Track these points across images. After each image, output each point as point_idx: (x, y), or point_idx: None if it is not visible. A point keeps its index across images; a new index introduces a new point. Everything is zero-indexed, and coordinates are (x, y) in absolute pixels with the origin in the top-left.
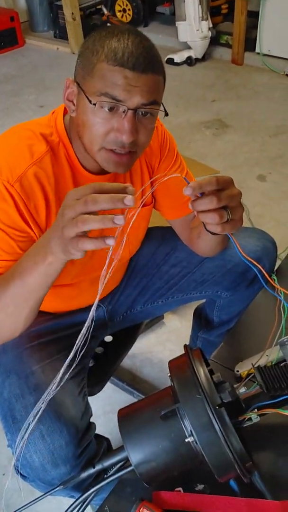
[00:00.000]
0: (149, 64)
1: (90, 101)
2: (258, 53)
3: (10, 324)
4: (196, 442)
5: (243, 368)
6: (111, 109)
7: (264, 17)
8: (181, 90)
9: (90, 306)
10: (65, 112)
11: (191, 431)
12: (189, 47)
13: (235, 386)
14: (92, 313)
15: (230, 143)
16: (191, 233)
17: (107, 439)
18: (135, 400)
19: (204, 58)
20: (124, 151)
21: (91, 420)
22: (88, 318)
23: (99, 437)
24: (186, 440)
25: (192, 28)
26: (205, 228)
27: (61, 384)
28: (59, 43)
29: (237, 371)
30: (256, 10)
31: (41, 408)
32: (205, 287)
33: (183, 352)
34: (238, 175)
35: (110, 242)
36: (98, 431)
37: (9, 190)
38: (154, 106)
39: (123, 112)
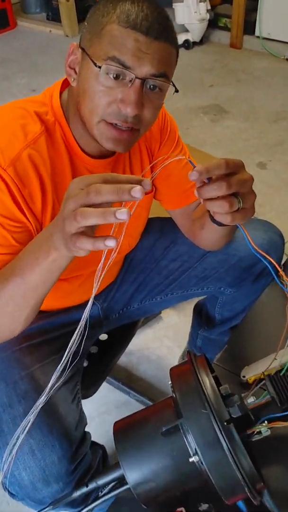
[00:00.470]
0: (164, 31)
1: (95, 64)
2: (258, 37)
3: (9, 324)
4: (201, 462)
5: (250, 373)
6: (117, 77)
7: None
8: (178, 74)
9: (85, 304)
10: (62, 89)
11: (195, 449)
12: (186, 30)
13: (243, 395)
14: (86, 312)
15: (229, 129)
16: (193, 225)
17: (102, 447)
18: (132, 400)
19: (201, 41)
20: (126, 126)
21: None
22: (82, 319)
23: (94, 445)
24: (191, 460)
25: (190, 10)
26: (211, 218)
27: (53, 391)
28: (52, 25)
29: (243, 376)
30: None
31: (30, 420)
32: (207, 283)
33: (181, 348)
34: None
35: (111, 243)
36: (92, 433)
37: (2, 176)
38: (164, 80)
39: (130, 81)
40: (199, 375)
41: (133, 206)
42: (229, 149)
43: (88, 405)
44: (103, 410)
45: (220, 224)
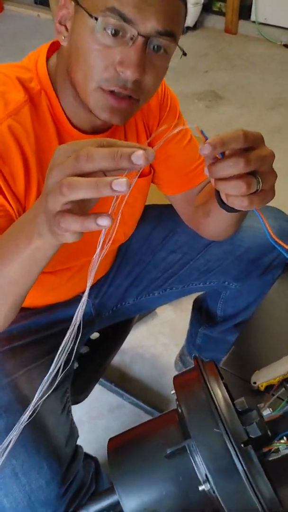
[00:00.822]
0: None
1: (90, 15)
2: (254, 22)
3: None
4: (213, 491)
5: (261, 379)
6: (116, 34)
7: None
8: (171, 59)
9: (74, 300)
10: (49, 55)
11: (206, 475)
12: None
13: (259, 406)
14: (80, 310)
15: (225, 115)
16: (197, 212)
17: (94, 459)
18: (125, 402)
19: (195, 26)
20: (125, 93)
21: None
22: (75, 317)
23: (85, 458)
24: (200, 488)
25: None
26: (220, 203)
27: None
28: (40, 9)
29: (254, 382)
30: None
31: (12, 439)
32: (209, 276)
33: (178, 345)
34: None
35: (104, 222)
36: (82, 440)
37: None
38: (171, 39)
39: (131, 39)
40: (209, 386)
41: (132, 179)
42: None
43: (78, 409)
44: (94, 414)
45: (230, 210)
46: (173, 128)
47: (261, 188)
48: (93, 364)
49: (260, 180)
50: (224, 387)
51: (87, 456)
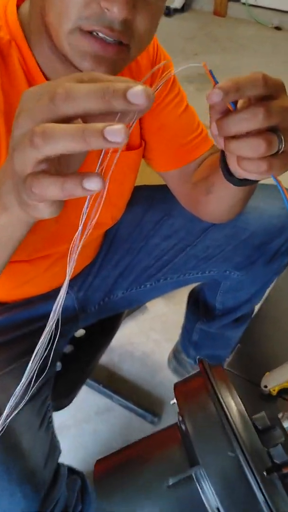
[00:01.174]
0: None
1: None
2: (244, 4)
3: None
4: None
5: (273, 382)
6: None
7: None
8: (159, 42)
9: (54, 293)
10: (19, 2)
11: (218, 510)
12: None
13: (280, 416)
14: (58, 305)
15: None
16: (195, 189)
17: (80, 475)
18: (114, 404)
19: (183, 8)
20: (112, 37)
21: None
22: (53, 313)
23: (70, 474)
24: None
25: None
26: (226, 173)
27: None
28: None
29: (265, 386)
30: None
31: None
32: (209, 265)
33: (170, 341)
34: None
35: (93, 184)
36: (68, 446)
37: None
38: None
39: None
40: (220, 397)
41: (112, 161)
42: None
43: (62, 412)
44: (80, 417)
45: (238, 182)
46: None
47: (283, 149)
48: (78, 365)
49: (283, 138)
50: (238, 398)
51: (71, 471)
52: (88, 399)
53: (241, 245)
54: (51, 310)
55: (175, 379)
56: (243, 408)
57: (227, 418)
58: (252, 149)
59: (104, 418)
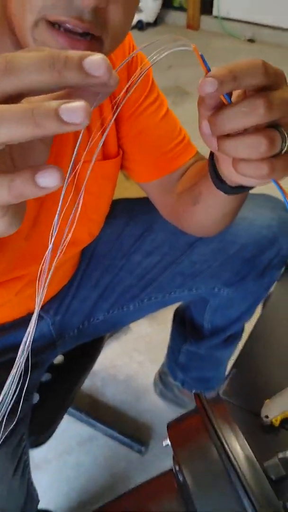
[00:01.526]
0: None
1: None
2: (216, 17)
3: None
4: None
5: (274, 411)
6: None
7: None
8: None
9: (26, 319)
10: None
11: None
12: (139, 10)
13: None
14: (29, 335)
15: (192, 111)
16: (179, 200)
17: None
18: (98, 434)
19: (156, 22)
20: (82, 28)
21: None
22: (23, 344)
23: None
24: None
25: None
26: (216, 180)
27: None
28: None
29: (266, 416)
30: None
31: None
32: (196, 282)
33: (155, 363)
34: (204, 146)
35: (48, 180)
36: (50, 482)
37: None
38: None
39: None
40: (224, 441)
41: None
42: (194, 132)
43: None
44: (61, 449)
45: (230, 190)
46: (141, 107)
47: (286, 148)
48: (58, 394)
49: (286, 135)
50: (244, 441)
51: None
52: (69, 429)
53: (230, 260)
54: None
55: (161, 403)
56: (251, 453)
57: (234, 467)
58: (252, 149)
59: (87, 449)
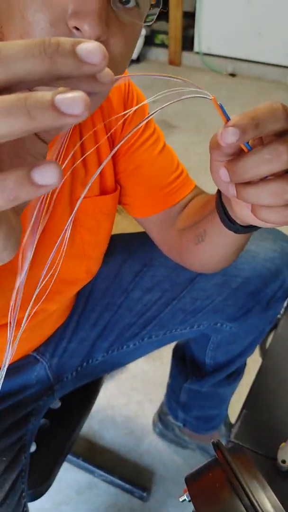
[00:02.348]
0: None
1: None
2: (197, 53)
3: None
4: None
5: None
6: None
7: (202, 13)
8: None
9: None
10: None
11: None
12: None
13: None
14: None
15: (179, 144)
16: (181, 236)
17: None
18: (97, 480)
19: (138, 59)
20: None
21: None
22: None
23: None
24: None
25: None
26: (226, 220)
27: None
28: None
29: (284, 461)
30: (190, 10)
31: None
32: (198, 318)
33: (154, 402)
34: (196, 177)
35: (47, 176)
36: None
37: None
38: None
39: None
40: (253, 498)
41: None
42: (184, 164)
43: None
44: (59, 500)
45: (241, 229)
46: (137, 144)
47: None
48: (56, 441)
49: None
50: (274, 496)
51: None
52: (66, 476)
53: (233, 294)
54: (4, 391)
55: (162, 444)
56: (282, 509)
57: None
58: (275, 197)
59: (87, 498)
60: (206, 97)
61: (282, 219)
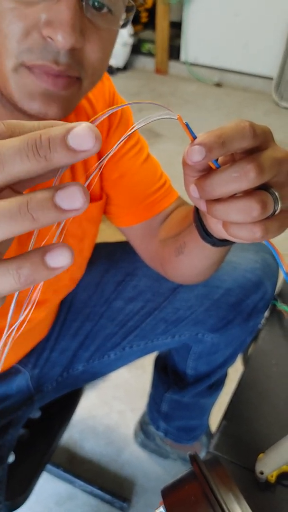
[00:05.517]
0: None
1: None
2: (184, 62)
3: None
4: None
5: (270, 467)
6: None
7: (189, 23)
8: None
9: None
10: None
11: None
12: None
13: None
14: None
15: (165, 152)
16: (163, 247)
17: None
18: (77, 491)
19: (125, 67)
20: (58, 71)
21: None
22: None
23: None
24: None
25: None
26: (203, 234)
27: None
28: None
29: (261, 472)
30: (177, 20)
31: None
32: (180, 328)
33: (136, 411)
34: (180, 187)
35: (60, 259)
36: None
37: None
38: None
39: None
40: None
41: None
42: (169, 173)
43: None
44: (38, 511)
45: (219, 243)
46: (122, 152)
47: (280, 208)
48: (35, 451)
49: (277, 196)
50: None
51: None
52: (46, 487)
53: (215, 305)
54: None
55: (143, 454)
56: None
57: None
58: (244, 214)
59: (66, 509)
60: (171, 118)
61: (251, 235)
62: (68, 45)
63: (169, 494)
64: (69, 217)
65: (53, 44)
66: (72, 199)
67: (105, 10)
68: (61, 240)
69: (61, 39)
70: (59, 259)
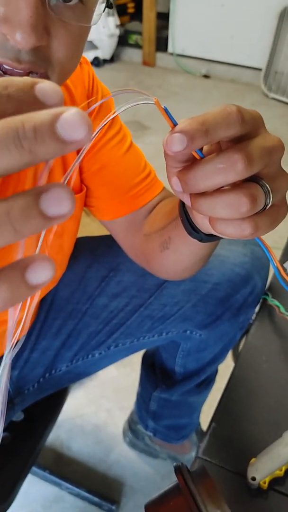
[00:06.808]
0: None
1: None
2: (171, 54)
3: None
4: None
5: (262, 472)
6: None
7: (176, 14)
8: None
9: None
10: None
11: None
12: (95, 47)
13: None
14: None
15: (152, 145)
16: (147, 242)
17: None
18: (64, 493)
19: (112, 59)
20: (21, 69)
21: None
22: None
23: None
24: None
25: (98, 25)
26: (189, 229)
27: None
28: None
29: (253, 478)
30: (164, 11)
31: None
32: (167, 325)
33: (124, 410)
34: (165, 179)
35: (42, 274)
36: None
37: None
38: None
39: None
40: None
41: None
42: (156, 165)
43: None
44: None
45: (206, 238)
46: (101, 142)
47: (270, 203)
48: (19, 455)
49: (269, 188)
50: None
51: None
52: (32, 490)
53: (202, 301)
54: None
55: (132, 453)
56: None
57: None
58: (232, 209)
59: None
60: (148, 102)
61: (240, 232)
62: (29, 46)
63: (153, 509)
64: (54, 224)
65: (12, 43)
66: (59, 203)
67: (74, 1)
68: (40, 241)
69: (20, 39)
70: (42, 274)
